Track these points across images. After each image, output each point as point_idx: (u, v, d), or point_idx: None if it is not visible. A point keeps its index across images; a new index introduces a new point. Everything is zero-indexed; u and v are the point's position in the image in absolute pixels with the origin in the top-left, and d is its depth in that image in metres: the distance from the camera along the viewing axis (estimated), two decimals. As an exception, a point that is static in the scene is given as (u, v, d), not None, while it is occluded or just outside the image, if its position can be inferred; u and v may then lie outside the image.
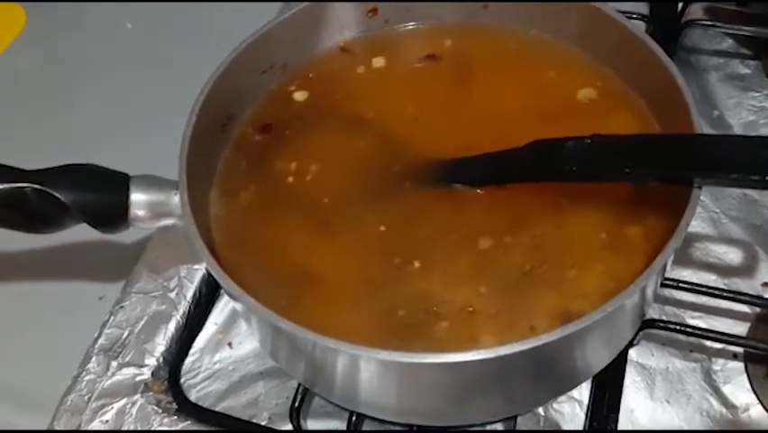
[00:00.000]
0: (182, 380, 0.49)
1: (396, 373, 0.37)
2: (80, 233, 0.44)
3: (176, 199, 0.42)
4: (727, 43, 0.62)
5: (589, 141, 0.39)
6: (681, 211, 0.37)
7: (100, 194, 0.41)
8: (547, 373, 0.38)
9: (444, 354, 0.34)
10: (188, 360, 0.49)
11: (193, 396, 0.48)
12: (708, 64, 0.61)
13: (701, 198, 0.38)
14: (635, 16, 0.61)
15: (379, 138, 0.47)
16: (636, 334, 0.44)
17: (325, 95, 0.50)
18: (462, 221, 0.42)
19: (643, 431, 0.45)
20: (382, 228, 0.43)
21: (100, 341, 0.49)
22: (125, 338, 0.49)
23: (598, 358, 0.40)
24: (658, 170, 0.38)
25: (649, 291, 0.38)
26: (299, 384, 0.45)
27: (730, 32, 0.61)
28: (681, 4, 0.62)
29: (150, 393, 0.47)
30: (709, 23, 0.60)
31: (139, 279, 0.52)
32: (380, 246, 0.42)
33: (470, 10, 0.51)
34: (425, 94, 0.49)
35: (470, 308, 0.39)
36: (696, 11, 0.63)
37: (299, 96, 0.50)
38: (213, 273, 0.38)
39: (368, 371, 0.37)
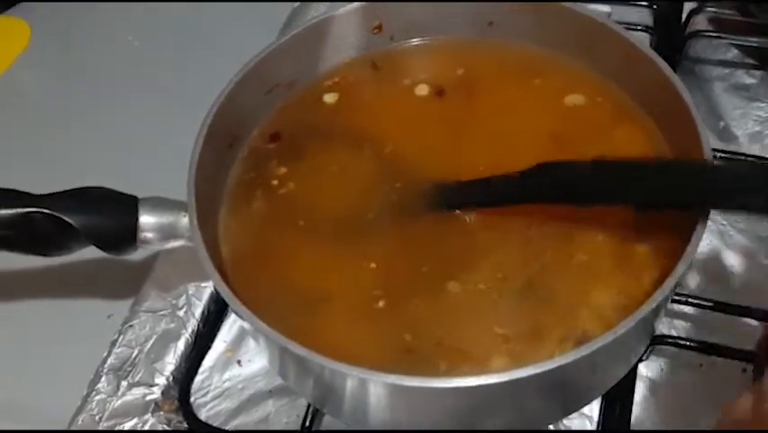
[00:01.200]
0: (192, 399, 0.48)
1: (406, 396, 0.37)
2: (88, 251, 0.44)
3: (184, 221, 0.42)
4: (732, 53, 0.62)
5: (591, 164, 0.39)
6: (689, 227, 0.37)
7: (109, 218, 0.41)
8: (559, 394, 0.38)
9: (456, 378, 0.34)
10: (198, 378, 0.49)
11: (203, 415, 0.48)
12: (713, 74, 0.61)
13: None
14: (639, 28, 0.61)
15: (382, 159, 0.46)
16: (646, 349, 0.44)
17: (331, 113, 0.50)
18: (469, 245, 0.42)
19: (651, 431, 0.45)
20: (383, 252, 0.42)
21: (110, 360, 0.49)
22: (135, 357, 0.49)
23: (610, 376, 0.40)
24: (663, 198, 0.38)
25: (660, 311, 0.38)
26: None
27: (735, 42, 0.61)
28: (684, 16, 0.62)
29: (161, 413, 0.47)
30: (714, 34, 0.61)
31: (147, 297, 0.52)
32: (382, 271, 0.42)
33: (476, 26, 0.51)
34: (433, 115, 0.49)
35: (482, 333, 0.39)
36: (700, 21, 0.63)
37: (329, 97, 0.50)
38: (224, 297, 0.38)
39: (377, 394, 0.37)
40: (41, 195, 0.41)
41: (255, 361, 0.50)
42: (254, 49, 0.49)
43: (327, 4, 0.67)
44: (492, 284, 0.40)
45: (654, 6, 0.64)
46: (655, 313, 0.37)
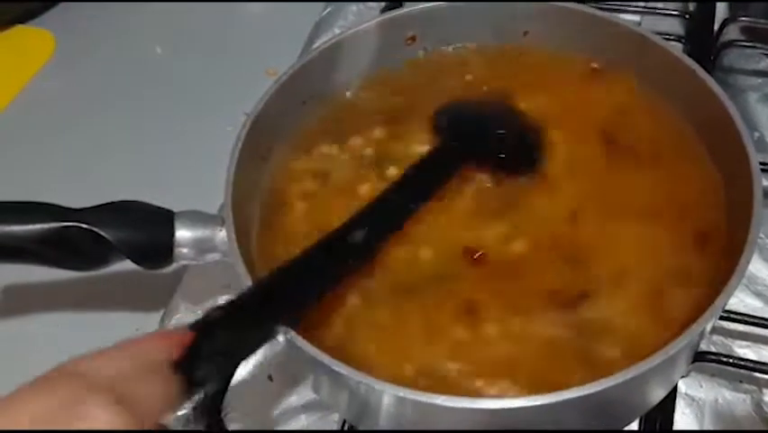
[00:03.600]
0: (223, 414, 0.48)
1: (446, 415, 0.36)
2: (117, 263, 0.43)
3: (221, 235, 0.41)
4: (766, 63, 0.61)
5: None
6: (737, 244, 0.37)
7: (146, 232, 0.41)
8: (603, 413, 0.37)
9: (500, 399, 0.33)
10: (229, 393, 0.49)
11: (234, 430, 0.47)
12: (747, 84, 0.61)
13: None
14: (672, 38, 0.60)
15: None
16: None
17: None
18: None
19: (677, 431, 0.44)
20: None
21: (140, 375, 0.49)
22: (165, 372, 0.49)
23: (653, 395, 0.39)
24: None
25: (707, 329, 0.37)
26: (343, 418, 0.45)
27: (769, 52, 0.61)
28: (717, 25, 0.62)
29: (192, 428, 0.47)
30: (748, 43, 0.60)
31: (177, 311, 0.51)
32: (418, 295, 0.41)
33: (510, 35, 0.50)
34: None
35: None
36: (733, 31, 0.62)
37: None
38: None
39: (414, 412, 0.36)
40: (77, 209, 0.40)
41: (287, 375, 0.49)
42: (281, 58, 0.49)
43: (354, 11, 0.67)
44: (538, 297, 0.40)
45: (686, 16, 0.63)
46: (704, 332, 0.36)
